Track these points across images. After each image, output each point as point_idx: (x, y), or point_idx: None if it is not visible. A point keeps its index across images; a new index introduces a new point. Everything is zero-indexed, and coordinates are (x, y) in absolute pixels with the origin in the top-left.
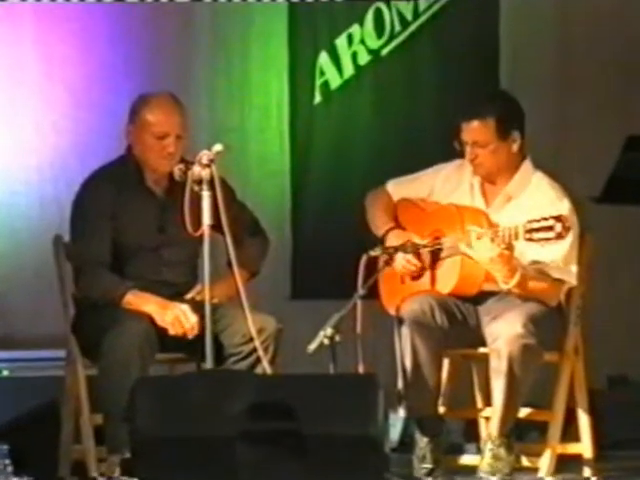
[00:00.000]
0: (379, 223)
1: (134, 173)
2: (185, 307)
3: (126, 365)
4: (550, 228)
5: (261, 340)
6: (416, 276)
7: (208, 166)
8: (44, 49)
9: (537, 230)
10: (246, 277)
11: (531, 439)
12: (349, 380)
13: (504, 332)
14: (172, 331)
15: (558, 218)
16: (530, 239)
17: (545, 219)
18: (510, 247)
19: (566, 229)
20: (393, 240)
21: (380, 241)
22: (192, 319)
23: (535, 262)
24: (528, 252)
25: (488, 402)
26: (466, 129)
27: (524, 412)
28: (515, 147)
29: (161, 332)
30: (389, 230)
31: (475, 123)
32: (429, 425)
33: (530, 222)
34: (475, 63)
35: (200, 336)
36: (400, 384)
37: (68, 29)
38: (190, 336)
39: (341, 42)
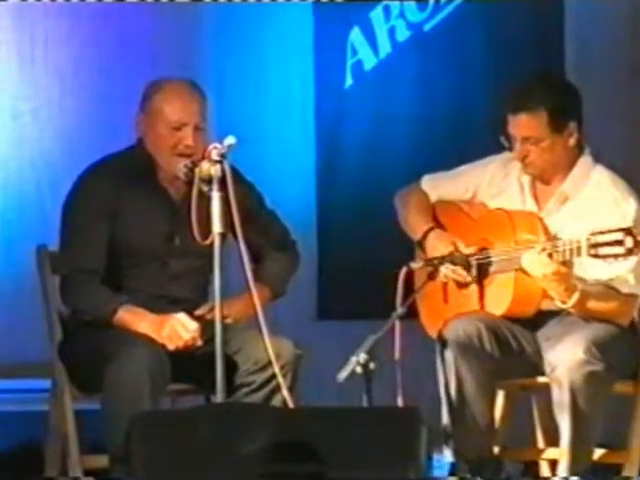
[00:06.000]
0: (415, 224)
1: (144, 168)
2: (181, 315)
3: (136, 397)
4: (619, 242)
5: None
6: (463, 287)
7: (219, 162)
8: (25, 26)
9: (603, 245)
10: (268, 297)
11: None
12: (386, 415)
13: (563, 359)
14: (171, 346)
15: (628, 231)
16: (595, 255)
17: (612, 231)
18: (567, 263)
19: (638, 244)
20: (434, 242)
21: (418, 245)
22: (191, 327)
23: (599, 280)
24: (590, 268)
25: (550, 441)
26: (514, 123)
27: (596, 453)
28: (572, 141)
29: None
30: (429, 231)
31: (523, 116)
32: (485, 469)
33: (594, 235)
34: (536, 41)
35: (209, 363)
36: (445, 419)
37: (53, 3)
38: (198, 343)
39: (377, 15)
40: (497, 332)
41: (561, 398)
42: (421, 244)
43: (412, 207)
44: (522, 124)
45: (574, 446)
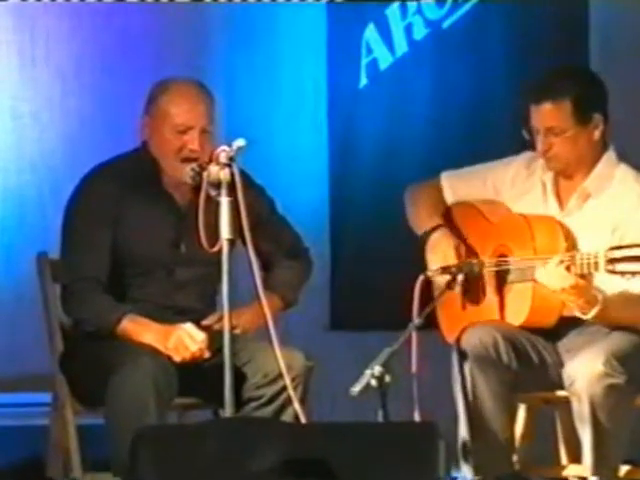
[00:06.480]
0: (423, 218)
1: (149, 172)
2: (188, 325)
3: (140, 411)
4: (637, 259)
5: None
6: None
7: (227, 165)
8: (26, 25)
9: (620, 260)
10: (279, 306)
11: None
12: (402, 430)
13: (582, 372)
14: (177, 358)
15: None
16: (612, 271)
17: (630, 247)
18: (586, 276)
19: None
20: (438, 241)
21: (420, 242)
22: (198, 337)
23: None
24: (608, 283)
25: (574, 457)
26: (536, 114)
27: (621, 470)
28: (597, 133)
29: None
30: (434, 229)
31: (547, 106)
32: None
33: (612, 250)
34: (559, 38)
35: (217, 375)
36: (462, 434)
37: (54, 3)
38: (206, 355)
39: (393, 12)
40: (515, 342)
41: (581, 412)
42: (423, 239)
43: (422, 204)
44: (546, 114)
45: (597, 462)
